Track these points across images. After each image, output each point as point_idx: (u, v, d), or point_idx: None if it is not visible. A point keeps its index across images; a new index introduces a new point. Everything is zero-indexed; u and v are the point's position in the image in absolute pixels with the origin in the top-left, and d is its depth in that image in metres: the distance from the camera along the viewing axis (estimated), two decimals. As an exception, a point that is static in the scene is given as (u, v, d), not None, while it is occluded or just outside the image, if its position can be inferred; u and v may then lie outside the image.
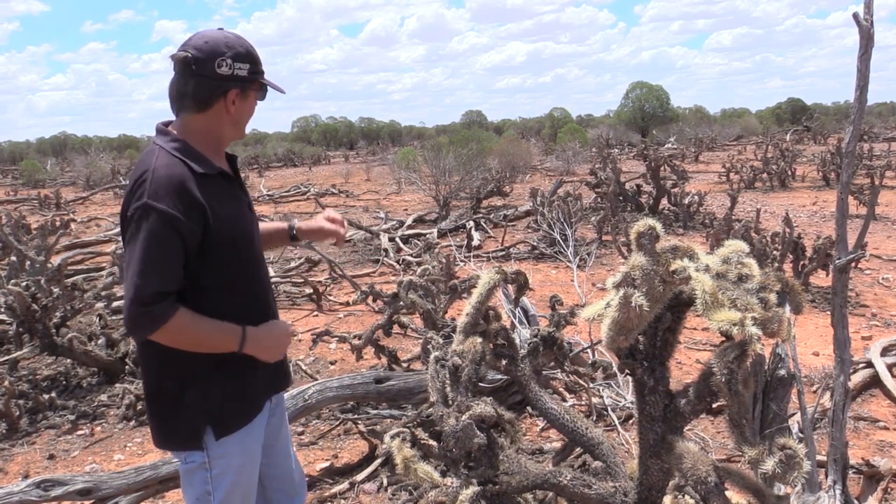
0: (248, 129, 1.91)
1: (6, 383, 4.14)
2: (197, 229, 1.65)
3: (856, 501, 2.56)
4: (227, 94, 1.72)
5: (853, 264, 4.03)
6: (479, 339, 1.75)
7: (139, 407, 4.26)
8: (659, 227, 1.42)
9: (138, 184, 1.64)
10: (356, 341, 4.23)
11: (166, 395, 1.74)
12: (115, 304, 5.93)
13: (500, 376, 3.27)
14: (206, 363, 1.73)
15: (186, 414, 1.73)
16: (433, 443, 2.03)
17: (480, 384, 2.96)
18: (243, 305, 1.78)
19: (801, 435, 2.42)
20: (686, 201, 10.41)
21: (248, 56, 1.75)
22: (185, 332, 1.64)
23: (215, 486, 1.76)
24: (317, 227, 2.11)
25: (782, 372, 1.67)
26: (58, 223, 9.69)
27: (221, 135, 1.80)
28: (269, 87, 1.84)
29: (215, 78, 1.70)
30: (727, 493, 1.44)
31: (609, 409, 3.68)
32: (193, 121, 1.74)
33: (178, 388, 1.73)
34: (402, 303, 3.94)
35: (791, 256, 6.26)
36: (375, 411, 3.87)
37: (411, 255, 8.65)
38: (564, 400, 3.91)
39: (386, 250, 8.93)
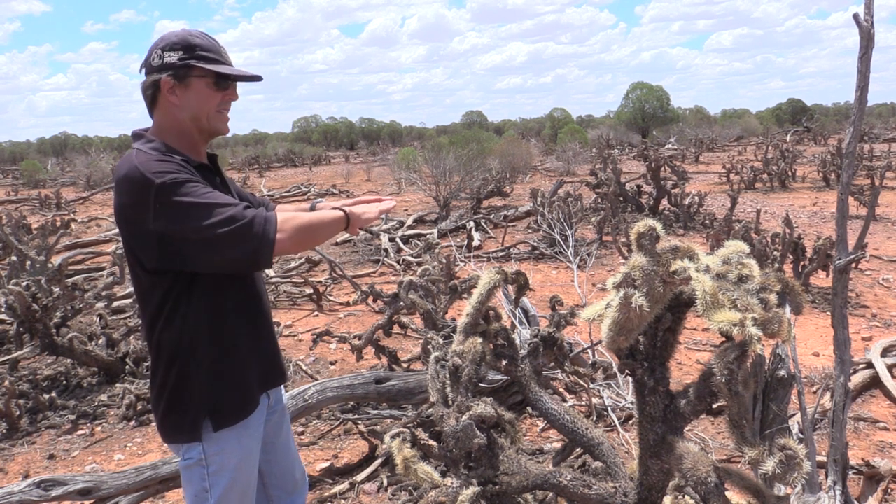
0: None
1: (6, 383, 4.14)
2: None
3: (856, 502, 2.56)
4: (160, 84, 1.72)
5: (853, 265, 4.03)
6: (480, 340, 1.75)
7: (139, 407, 4.27)
8: (659, 227, 1.42)
9: (137, 186, 1.61)
10: (356, 341, 4.23)
11: (169, 388, 1.75)
12: (116, 304, 5.95)
13: (500, 376, 3.27)
14: (205, 357, 1.74)
15: (187, 406, 1.74)
16: (433, 443, 2.03)
17: (480, 384, 2.96)
18: (233, 300, 1.77)
19: (801, 435, 2.42)
20: (686, 202, 10.41)
21: (180, 43, 1.72)
22: (294, 218, 1.67)
23: (212, 483, 1.77)
24: None
25: (782, 372, 1.66)
26: (58, 223, 9.70)
27: (187, 130, 1.77)
28: (233, 75, 1.77)
29: (151, 71, 1.74)
30: (727, 493, 1.44)
31: (609, 409, 3.68)
32: (157, 120, 1.77)
33: (179, 381, 1.74)
34: (402, 303, 3.93)
35: (791, 257, 6.26)
36: (376, 411, 3.88)
37: (411, 255, 8.65)
38: (564, 400, 3.91)
39: (386, 250, 8.94)
